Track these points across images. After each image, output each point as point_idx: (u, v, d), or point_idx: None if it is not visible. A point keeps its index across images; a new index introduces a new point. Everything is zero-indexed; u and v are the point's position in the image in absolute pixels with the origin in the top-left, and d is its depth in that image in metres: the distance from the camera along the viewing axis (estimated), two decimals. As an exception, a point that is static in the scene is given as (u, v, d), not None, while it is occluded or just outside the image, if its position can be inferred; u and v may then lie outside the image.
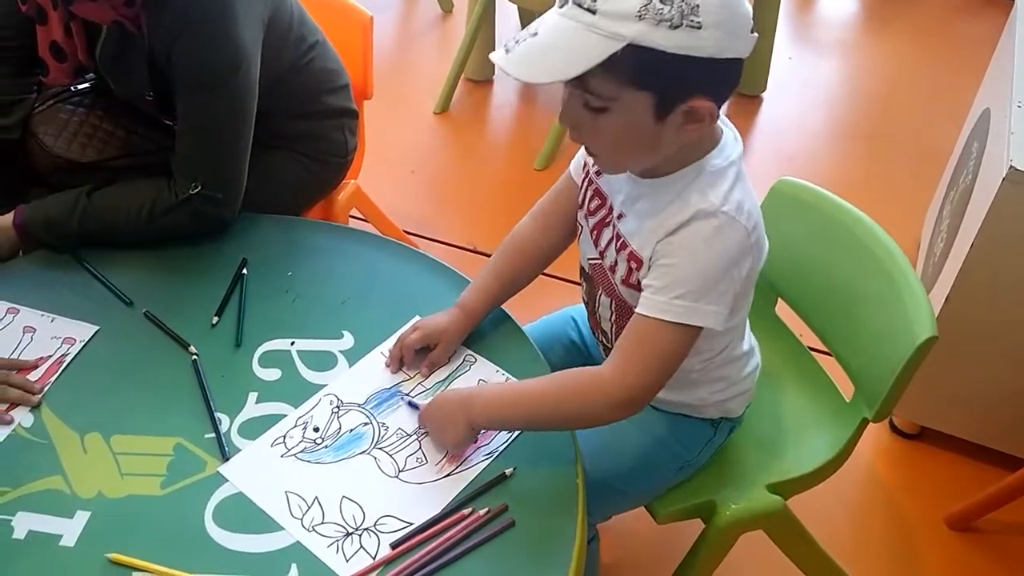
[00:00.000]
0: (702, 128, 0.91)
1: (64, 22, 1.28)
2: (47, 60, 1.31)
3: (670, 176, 0.96)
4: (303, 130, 1.53)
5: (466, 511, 0.95)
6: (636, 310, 0.97)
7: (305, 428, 1.04)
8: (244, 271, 1.24)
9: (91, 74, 1.43)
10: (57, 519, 0.93)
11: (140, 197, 1.27)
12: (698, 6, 0.82)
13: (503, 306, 1.20)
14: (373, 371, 1.11)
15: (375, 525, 0.94)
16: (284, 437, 1.02)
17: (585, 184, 1.10)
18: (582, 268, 1.14)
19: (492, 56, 0.89)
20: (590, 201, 1.08)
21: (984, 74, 1.97)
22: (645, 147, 0.93)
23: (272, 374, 1.10)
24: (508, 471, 0.99)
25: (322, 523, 0.94)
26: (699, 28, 0.82)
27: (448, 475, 0.99)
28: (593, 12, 0.82)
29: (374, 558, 0.90)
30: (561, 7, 0.86)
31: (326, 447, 1.02)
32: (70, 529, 0.92)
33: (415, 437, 1.03)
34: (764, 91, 2.78)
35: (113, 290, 1.20)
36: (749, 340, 1.17)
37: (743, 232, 0.95)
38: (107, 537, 0.91)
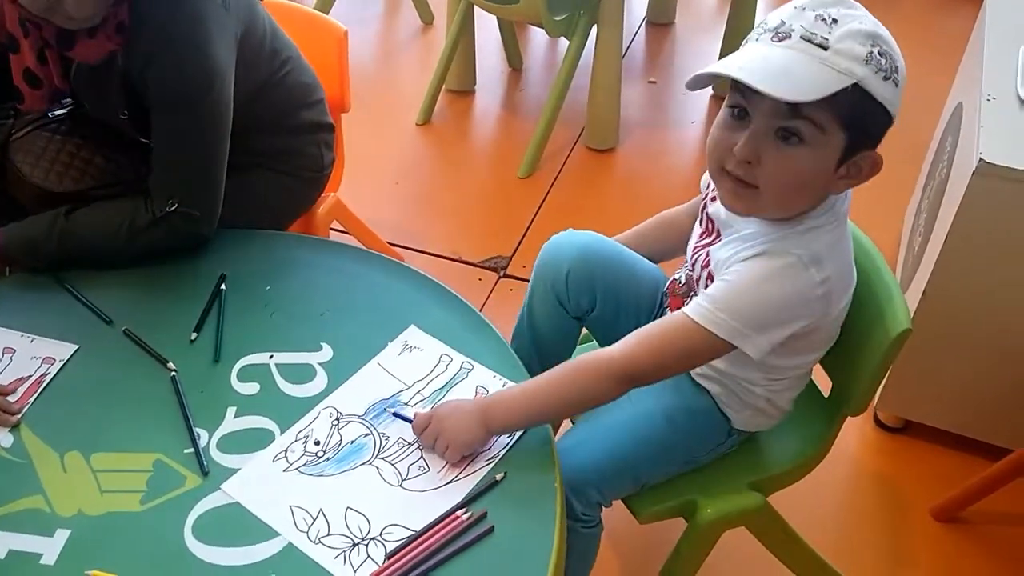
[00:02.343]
0: (852, 184, 0.99)
1: (37, 49, 1.28)
2: (21, 88, 1.32)
3: (782, 221, 1.00)
4: (278, 146, 1.53)
5: (460, 513, 0.95)
6: (682, 309, 1.01)
7: (306, 442, 1.04)
8: (222, 287, 1.24)
9: (68, 99, 1.43)
10: (37, 538, 0.93)
11: (118, 216, 1.28)
12: (898, 67, 0.92)
13: (484, 316, 1.20)
14: (371, 382, 1.11)
15: (381, 534, 0.94)
16: (285, 452, 1.03)
17: (704, 207, 1.14)
18: (688, 266, 1.16)
19: (726, 71, 0.91)
20: (704, 220, 1.14)
21: (957, 69, 1.99)
22: (814, 189, 0.98)
23: (251, 388, 1.11)
24: (499, 476, 1.00)
25: (328, 535, 0.94)
26: (896, 85, 0.92)
27: (450, 482, 1.00)
28: (825, 48, 0.89)
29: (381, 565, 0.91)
30: (779, 40, 0.91)
31: (328, 460, 1.02)
32: (50, 547, 0.92)
33: (416, 446, 1.04)
34: (743, 92, 2.80)
35: (92, 309, 1.20)
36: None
37: (812, 282, 0.98)
38: (87, 554, 0.92)
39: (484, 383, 1.11)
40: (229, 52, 1.31)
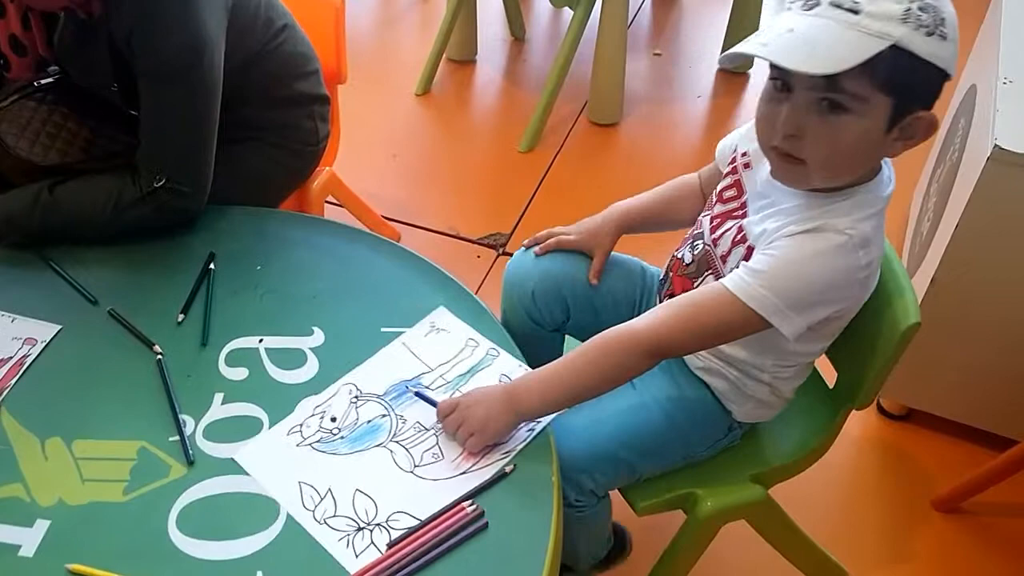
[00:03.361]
0: (909, 145, 0.93)
1: (21, 14, 1.23)
2: (7, 55, 1.28)
3: (827, 194, 0.96)
4: (271, 118, 1.49)
5: (466, 505, 0.93)
6: (721, 281, 0.97)
7: (323, 418, 1.02)
8: (211, 266, 1.20)
9: (55, 67, 1.39)
10: (16, 528, 0.90)
11: (103, 192, 1.24)
12: (944, 19, 0.86)
13: (482, 302, 1.17)
14: (395, 362, 1.08)
15: (387, 521, 0.92)
16: (301, 426, 1.01)
17: (729, 175, 1.10)
18: (694, 242, 1.13)
19: (748, 50, 0.88)
20: (726, 189, 1.09)
21: (971, 49, 1.93)
22: (865, 157, 0.94)
23: (239, 373, 1.07)
24: (508, 468, 0.97)
25: (334, 516, 0.92)
26: (944, 39, 0.86)
27: (464, 472, 0.97)
28: (856, 12, 0.84)
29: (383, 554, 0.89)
30: (809, 8, 0.87)
31: (342, 438, 1.00)
32: (29, 538, 0.89)
33: (433, 432, 1.01)
34: (751, 67, 2.74)
35: (77, 287, 1.17)
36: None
37: (856, 265, 0.95)
38: (68, 546, 0.89)
39: (508, 371, 1.08)
40: (219, 20, 1.26)
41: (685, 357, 1.16)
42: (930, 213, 1.78)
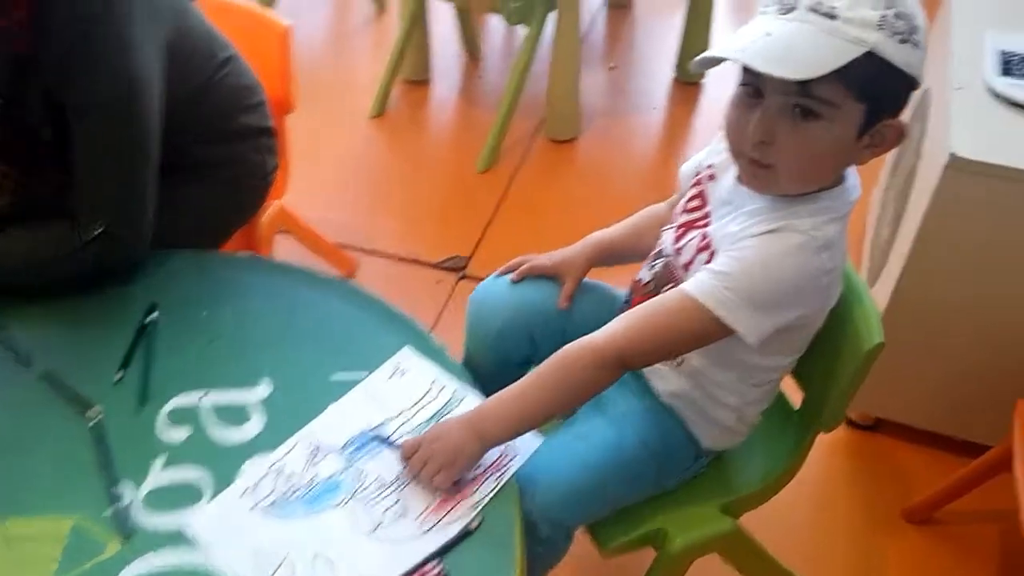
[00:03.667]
0: (877, 153, 0.92)
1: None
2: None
3: (792, 197, 0.95)
4: (217, 153, 1.43)
5: (429, 567, 0.87)
6: (680, 286, 0.95)
7: (278, 476, 0.96)
8: (152, 316, 1.15)
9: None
10: (-59, 619, 0.84)
11: (37, 241, 1.17)
12: (917, 27, 0.85)
13: (437, 341, 1.12)
14: (355, 410, 1.03)
15: None
16: (255, 486, 0.95)
17: (693, 187, 1.09)
18: (653, 261, 1.12)
19: (725, 54, 0.86)
20: (690, 201, 1.08)
21: (922, 52, 1.92)
22: (835, 163, 0.93)
23: (180, 434, 1.01)
24: (474, 524, 0.92)
25: None
26: (916, 47, 0.85)
27: (429, 529, 0.91)
28: (833, 17, 0.83)
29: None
30: (785, 12, 0.86)
31: (299, 498, 0.94)
32: (-45, 630, 0.83)
33: (396, 487, 0.95)
34: (704, 77, 2.72)
35: (8, 346, 1.10)
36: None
37: (820, 268, 0.93)
38: (-3, 636, 0.83)
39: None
40: (156, 53, 1.20)
41: (652, 383, 1.13)
42: (889, 219, 1.76)
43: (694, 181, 1.10)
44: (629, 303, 1.14)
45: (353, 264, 2.07)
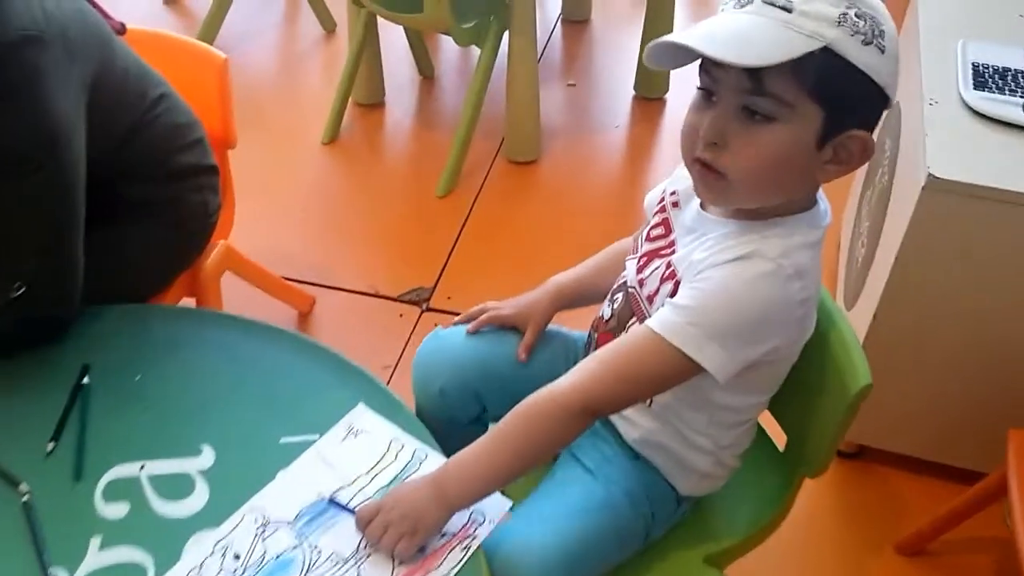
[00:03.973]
0: (843, 171, 0.88)
1: None
2: None
3: (761, 222, 0.90)
4: (154, 196, 1.36)
5: None
6: (645, 322, 0.91)
7: (224, 555, 0.89)
8: (85, 381, 1.07)
9: None
10: None
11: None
12: (884, 32, 0.82)
13: (396, 396, 1.06)
14: (306, 478, 0.96)
15: None
16: (200, 567, 0.87)
17: (657, 214, 1.05)
18: (614, 295, 1.06)
19: (674, 38, 0.82)
20: (653, 228, 1.04)
21: (889, 64, 1.90)
22: (792, 173, 0.87)
23: (118, 510, 0.94)
24: None
25: None
26: (883, 52, 0.81)
27: None
28: (789, 11, 0.80)
29: None
30: (743, 6, 0.83)
31: None
32: None
33: (354, 562, 0.88)
34: (667, 92, 2.69)
35: (-75, 421, 1.02)
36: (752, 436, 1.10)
37: (792, 299, 0.89)
38: None
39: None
40: (76, 99, 1.13)
41: (621, 429, 1.07)
42: (864, 238, 1.73)
43: (658, 208, 1.05)
44: (593, 343, 1.09)
45: (309, 301, 2.00)
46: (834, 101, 0.82)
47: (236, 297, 1.77)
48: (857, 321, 1.55)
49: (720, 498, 1.14)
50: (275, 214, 2.28)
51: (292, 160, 2.48)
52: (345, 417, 1.02)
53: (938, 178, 1.27)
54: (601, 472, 1.05)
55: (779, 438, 1.17)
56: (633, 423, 1.05)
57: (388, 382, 1.81)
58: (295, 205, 2.32)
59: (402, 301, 2.04)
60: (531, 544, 0.96)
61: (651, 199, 1.09)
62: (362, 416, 1.02)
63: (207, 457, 0.99)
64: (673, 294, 0.94)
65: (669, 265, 0.97)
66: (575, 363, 1.15)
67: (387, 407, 1.04)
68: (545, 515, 1.00)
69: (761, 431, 1.20)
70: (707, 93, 0.87)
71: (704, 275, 0.89)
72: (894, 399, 1.54)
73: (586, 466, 1.06)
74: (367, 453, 0.98)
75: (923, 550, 1.53)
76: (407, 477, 0.96)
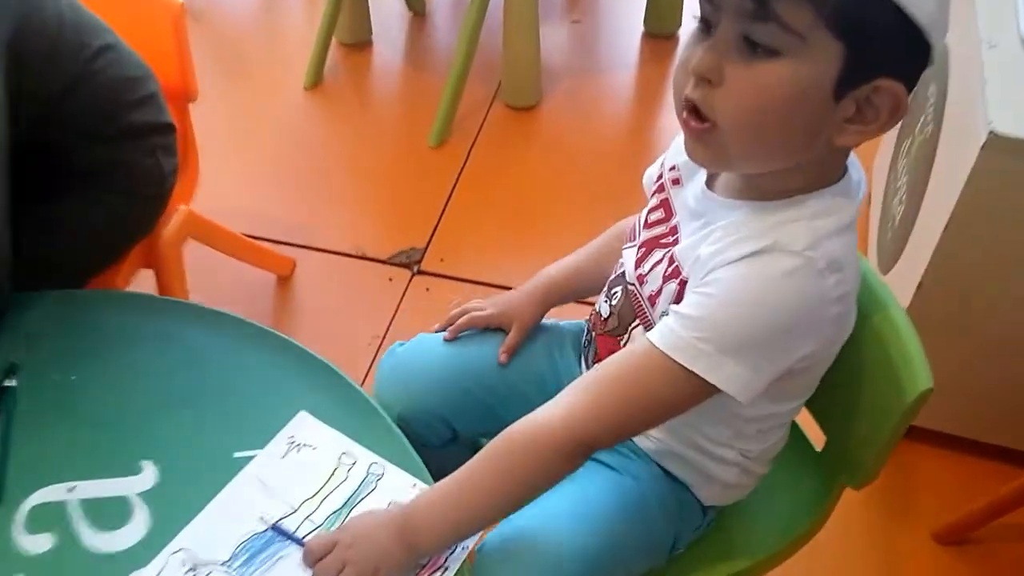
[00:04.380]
0: (867, 133, 0.71)
1: None
2: None
3: (779, 203, 0.75)
4: (99, 159, 1.22)
5: None
6: (647, 335, 0.76)
7: None
8: (8, 382, 0.93)
9: None
10: None
11: None
12: None
13: (371, 398, 0.92)
14: (241, 506, 0.82)
15: None
16: None
17: (655, 195, 0.90)
18: (612, 289, 0.92)
19: None
20: (652, 212, 0.89)
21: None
22: (796, 128, 0.71)
23: (42, 543, 0.81)
24: None
25: None
26: None
27: None
28: None
29: None
30: None
31: None
32: None
33: None
34: (679, 28, 2.50)
35: None
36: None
37: (826, 296, 0.73)
38: None
39: (399, 495, 0.83)
40: None
41: (635, 439, 0.94)
42: (902, 195, 1.57)
43: (656, 187, 0.90)
44: (590, 342, 0.96)
45: (289, 264, 1.86)
46: (858, 36, 0.66)
47: (207, 264, 1.64)
48: (896, 287, 1.39)
49: (747, 505, 1.01)
50: (252, 169, 2.13)
51: (271, 108, 2.32)
52: (284, 429, 0.88)
53: (1001, 136, 1.12)
54: (627, 471, 0.93)
55: (816, 435, 1.04)
56: (645, 434, 0.92)
57: (375, 355, 1.69)
58: (274, 158, 2.17)
59: (391, 263, 1.91)
60: (544, 550, 0.84)
61: (649, 176, 0.94)
62: (304, 426, 0.88)
63: (148, 476, 0.86)
64: (678, 297, 0.79)
65: (672, 260, 0.82)
66: (562, 357, 1.04)
67: (358, 410, 0.91)
68: (562, 513, 0.87)
69: (795, 428, 1.06)
70: (705, 25, 0.71)
71: (714, 276, 0.74)
72: (940, 374, 1.39)
73: (606, 463, 0.94)
74: (313, 472, 0.85)
75: (966, 539, 1.41)
76: (361, 499, 0.83)
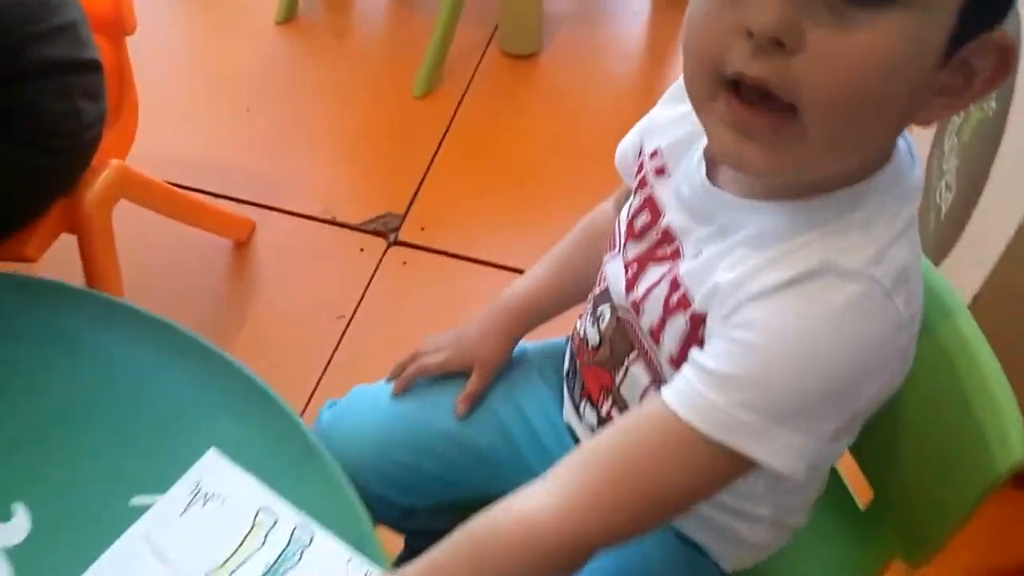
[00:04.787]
0: (954, 106, 0.55)
1: None
2: None
3: (817, 200, 0.57)
4: None
5: None
6: (662, 393, 0.59)
7: None
8: None
9: None
10: None
11: None
12: None
13: (311, 435, 0.74)
14: None
15: None
16: None
17: (638, 191, 0.71)
18: (597, 307, 0.75)
19: None
20: (637, 215, 0.69)
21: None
22: (896, 111, 0.53)
23: None
24: None
25: None
26: None
27: None
28: None
29: None
30: None
31: None
32: None
33: None
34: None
35: None
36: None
37: (893, 323, 0.57)
38: None
39: (329, 570, 0.66)
40: None
41: None
42: (949, 179, 1.39)
43: (637, 180, 0.71)
44: (575, 374, 0.79)
45: (248, 226, 1.68)
46: None
47: (149, 223, 1.45)
48: (952, 277, 1.20)
49: (775, 565, 0.84)
50: (209, 115, 1.94)
51: (234, 44, 2.12)
52: (188, 473, 0.70)
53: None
54: (634, 543, 0.76)
55: (859, 485, 0.87)
56: None
57: (340, 338, 1.52)
58: (235, 103, 1.97)
59: (365, 231, 1.72)
60: None
61: (623, 155, 0.76)
62: (214, 469, 0.71)
63: (19, 525, 0.69)
64: (692, 335, 0.62)
65: (675, 284, 0.64)
66: (530, 392, 0.86)
67: (299, 453, 0.72)
68: None
69: (832, 473, 0.89)
70: None
71: (748, 315, 0.57)
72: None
73: None
74: (221, 535, 0.67)
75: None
76: (284, 573, 0.65)
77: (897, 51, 0.49)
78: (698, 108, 0.56)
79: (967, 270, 1.20)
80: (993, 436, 0.67)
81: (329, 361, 1.48)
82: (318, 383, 1.46)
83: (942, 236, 1.34)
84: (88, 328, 0.80)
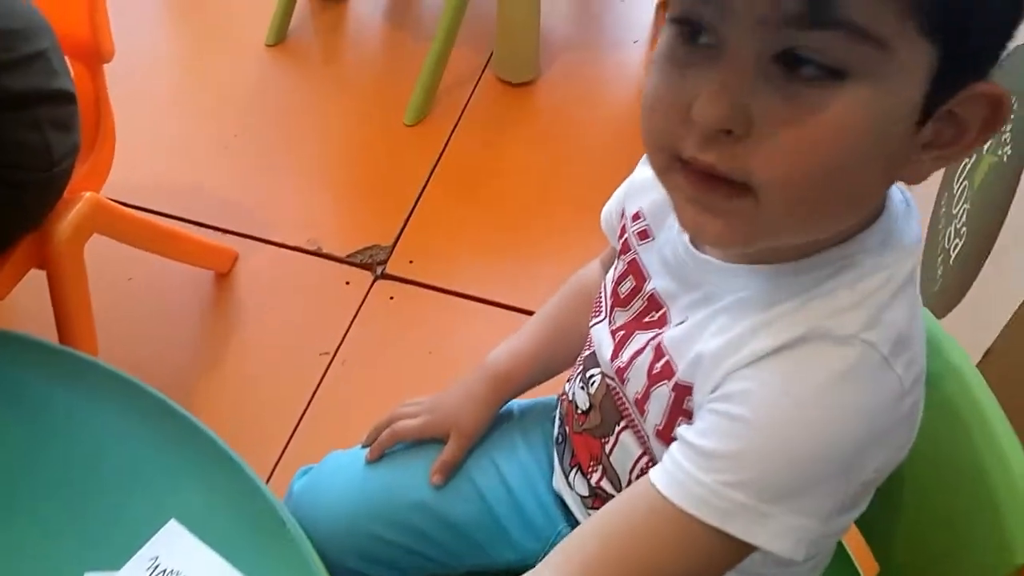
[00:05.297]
0: (947, 158, 0.52)
1: None
2: None
3: (804, 261, 0.56)
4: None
5: None
6: (649, 475, 0.57)
7: None
8: None
9: None
10: None
11: None
12: None
13: (282, 508, 0.70)
14: None
15: None
16: None
17: (621, 256, 0.70)
18: (588, 372, 0.73)
19: None
20: (621, 280, 0.69)
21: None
22: (871, 180, 0.52)
23: None
24: None
25: None
26: None
27: None
28: None
29: None
30: None
31: None
32: None
33: None
34: None
35: None
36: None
37: (893, 392, 0.54)
38: None
39: None
40: None
41: None
42: (959, 225, 1.36)
43: (621, 244, 0.71)
44: (564, 440, 0.77)
45: (230, 257, 1.66)
46: (958, 28, 0.47)
47: (130, 253, 1.42)
48: (966, 328, 1.20)
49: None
50: (193, 141, 1.92)
51: (222, 67, 2.11)
52: (145, 548, 0.67)
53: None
54: None
55: (864, 558, 0.83)
56: None
57: (323, 376, 1.48)
58: (220, 128, 1.96)
59: (351, 263, 1.70)
60: None
61: (608, 218, 0.75)
62: (174, 544, 0.67)
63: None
64: (676, 407, 0.60)
65: (659, 351, 0.62)
66: (512, 461, 0.83)
67: (267, 527, 0.68)
68: None
69: (840, 549, 0.86)
70: (692, 30, 0.49)
71: (735, 386, 0.55)
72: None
73: None
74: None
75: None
76: None
77: (857, 126, 0.47)
78: (660, 178, 0.55)
79: (978, 323, 1.17)
80: (1013, 526, 0.64)
81: (309, 403, 1.45)
82: (297, 426, 1.42)
83: (951, 282, 1.32)
84: (45, 385, 0.77)
